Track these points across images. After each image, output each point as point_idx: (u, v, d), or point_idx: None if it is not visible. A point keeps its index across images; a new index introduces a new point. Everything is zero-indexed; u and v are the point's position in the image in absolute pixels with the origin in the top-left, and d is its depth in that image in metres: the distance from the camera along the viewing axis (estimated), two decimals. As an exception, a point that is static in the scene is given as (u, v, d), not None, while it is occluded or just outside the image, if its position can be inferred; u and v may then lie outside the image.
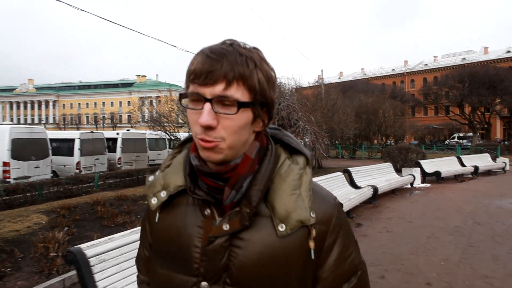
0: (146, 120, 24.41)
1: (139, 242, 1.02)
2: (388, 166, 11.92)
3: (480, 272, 4.43)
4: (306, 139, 14.08)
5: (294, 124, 12.07)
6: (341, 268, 0.83)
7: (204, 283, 0.80)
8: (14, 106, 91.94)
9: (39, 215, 7.52)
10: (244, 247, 0.78)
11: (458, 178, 13.81)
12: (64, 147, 14.82)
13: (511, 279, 4.24)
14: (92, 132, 16.22)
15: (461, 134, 46.23)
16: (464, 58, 61.25)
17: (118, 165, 16.58)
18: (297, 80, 30.72)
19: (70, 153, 14.58)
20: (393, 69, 71.47)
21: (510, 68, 46.64)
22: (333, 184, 8.23)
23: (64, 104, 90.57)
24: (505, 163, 16.75)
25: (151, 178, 0.91)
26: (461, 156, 16.00)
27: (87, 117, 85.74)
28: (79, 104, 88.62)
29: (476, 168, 14.72)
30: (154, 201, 0.87)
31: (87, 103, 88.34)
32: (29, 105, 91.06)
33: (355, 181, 9.42)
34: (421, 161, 13.65)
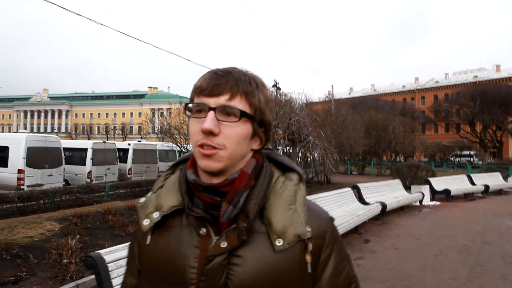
0: (156, 131, 24.77)
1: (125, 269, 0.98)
2: (397, 183, 11.91)
3: (488, 291, 4.44)
4: (316, 154, 14.16)
5: (304, 139, 12.17)
6: (337, 282, 0.85)
7: None
8: (29, 114, 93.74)
9: (52, 222, 7.68)
10: (242, 264, 0.78)
11: (468, 196, 13.70)
12: (76, 156, 15.08)
13: (519, 299, 4.24)
14: (104, 142, 16.49)
15: (465, 152, 45.85)
16: (475, 76, 60.99)
17: (129, 176, 16.80)
18: (308, 95, 30.98)
19: (82, 162, 14.82)
20: (404, 86, 71.36)
21: (523, 87, 46.32)
22: (342, 199, 8.28)
23: (76, 114, 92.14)
24: (517, 183, 16.58)
25: (142, 200, 0.90)
26: (471, 175, 15.87)
27: (99, 127, 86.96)
28: (91, 114, 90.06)
29: (486, 187, 14.59)
30: (146, 222, 0.85)
31: (99, 113, 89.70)
32: (42, 114, 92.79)
33: (364, 197, 9.44)
34: (431, 179, 13.59)
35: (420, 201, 11.78)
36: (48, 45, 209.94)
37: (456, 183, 14.18)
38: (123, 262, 2.66)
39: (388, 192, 10.78)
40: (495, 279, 4.84)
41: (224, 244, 0.78)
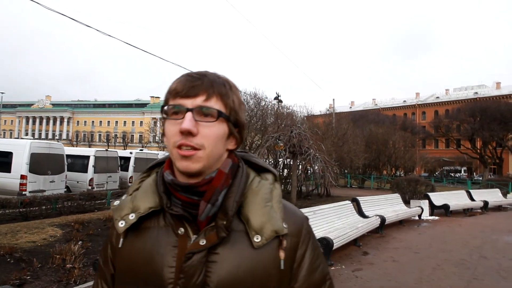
0: (157, 140, 24.96)
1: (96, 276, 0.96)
2: (396, 197, 12.01)
3: (483, 304, 4.53)
4: (316, 167, 14.26)
5: (305, 151, 12.30)
6: (312, 278, 0.86)
7: None
8: (31, 120, 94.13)
9: (54, 228, 7.78)
10: (220, 261, 0.79)
11: (467, 212, 13.77)
12: (78, 163, 15.19)
13: (513, 313, 4.32)
14: (106, 150, 16.63)
15: (457, 167, 46.14)
16: (476, 92, 61.43)
17: (130, 184, 16.87)
18: (309, 108, 31.25)
19: (84, 170, 14.93)
20: (405, 101, 71.77)
21: (523, 104, 46.62)
22: (341, 212, 8.38)
23: (78, 121, 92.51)
24: (516, 199, 16.65)
25: (116, 202, 0.89)
26: (470, 191, 15.95)
27: (100, 135, 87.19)
28: (93, 122, 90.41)
29: (485, 203, 14.66)
30: (121, 224, 0.84)
31: (100, 121, 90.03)
32: (44, 121, 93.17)
33: (363, 210, 9.54)
34: (430, 194, 13.69)
35: (419, 216, 11.87)
36: (52, 53, 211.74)
37: (455, 198, 14.27)
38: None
39: (387, 206, 10.88)
40: (490, 292, 4.92)
41: (203, 242, 0.79)
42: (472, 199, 14.91)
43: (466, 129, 40.17)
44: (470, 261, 6.60)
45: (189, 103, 0.79)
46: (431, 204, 12.93)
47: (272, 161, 15.89)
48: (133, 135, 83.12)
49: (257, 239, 0.80)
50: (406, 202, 12.83)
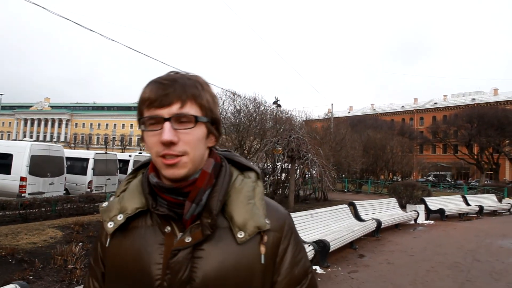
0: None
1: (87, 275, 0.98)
2: (392, 201, 12.15)
3: (475, 305, 4.65)
4: (314, 171, 14.37)
5: (303, 156, 12.42)
6: (294, 272, 0.89)
7: None
8: (29, 122, 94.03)
9: (54, 230, 7.86)
10: (205, 257, 0.81)
11: (462, 216, 13.91)
12: (77, 166, 15.21)
13: (504, 314, 4.44)
14: (106, 153, 16.69)
15: (441, 173, 46.49)
16: (473, 99, 61.77)
17: (127, 187, 16.94)
18: (308, 113, 31.46)
19: (83, 172, 14.95)
20: (403, 106, 72.08)
21: (520, 110, 46.95)
22: (338, 215, 8.50)
23: (77, 124, 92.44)
24: (511, 204, 16.80)
25: (105, 204, 0.91)
26: (466, 196, 16.12)
27: (98, 138, 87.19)
28: (91, 124, 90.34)
29: (481, 207, 14.81)
30: (110, 225, 0.87)
31: (99, 124, 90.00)
32: (43, 123, 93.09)
33: (360, 214, 9.66)
34: (426, 198, 13.83)
35: (415, 220, 12.00)
36: (51, 55, 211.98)
37: (451, 203, 14.42)
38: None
39: (383, 210, 11.01)
40: (482, 294, 5.05)
41: (188, 239, 0.81)
42: (467, 204, 15.07)
43: (463, 135, 40.38)
44: (464, 264, 6.73)
45: (165, 112, 0.79)
46: (427, 208, 13.08)
47: (271, 165, 15.99)
48: (131, 138, 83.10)
49: (240, 235, 0.82)
50: (403, 207, 12.96)
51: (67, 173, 13.81)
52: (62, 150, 13.89)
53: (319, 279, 5.59)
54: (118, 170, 16.49)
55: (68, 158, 14.39)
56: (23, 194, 11.66)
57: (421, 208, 12.57)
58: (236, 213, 0.84)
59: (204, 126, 0.84)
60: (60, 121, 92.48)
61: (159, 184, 0.84)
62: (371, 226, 8.86)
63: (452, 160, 48.67)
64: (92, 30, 8.52)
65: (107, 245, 0.89)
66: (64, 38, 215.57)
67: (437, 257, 7.21)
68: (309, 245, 5.98)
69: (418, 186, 17.00)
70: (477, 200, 15.83)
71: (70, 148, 63.31)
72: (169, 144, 0.78)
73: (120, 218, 0.86)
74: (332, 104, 35.25)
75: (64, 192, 13.34)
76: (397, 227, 10.69)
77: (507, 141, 39.23)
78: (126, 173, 17.10)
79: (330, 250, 6.34)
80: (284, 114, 19.25)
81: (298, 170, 14.79)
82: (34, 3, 7.71)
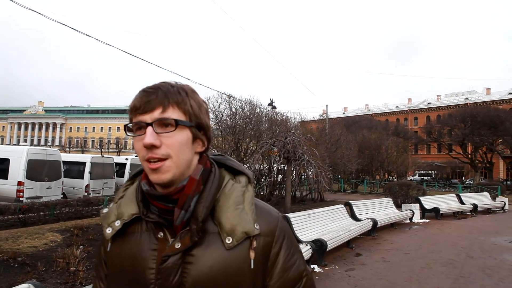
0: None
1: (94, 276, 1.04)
2: (388, 201, 12.32)
3: (468, 299, 4.81)
4: (310, 172, 14.51)
5: (299, 157, 12.56)
6: (287, 275, 0.90)
7: None
8: (23, 127, 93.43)
9: (53, 233, 7.91)
10: (195, 262, 0.83)
11: (457, 215, 14.13)
12: (74, 170, 15.20)
13: (496, 307, 4.60)
14: (102, 156, 16.71)
15: (429, 171, 46.96)
16: (467, 98, 62.25)
17: (125, 190, 16.95)
18: (303, 114, 31.63)
19: (80, 176, 14.94)
20: (397, 106, 72.48)
21: (512, 109, 47.51)
22: (335, 215, 8.65)
23: (71, 127, 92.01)
24: (504, 203, 17.05)
25: (105, 210, 0.95)
26: (460, 194, 16.34)
27: (93, 141, 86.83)
28: (86, 128, 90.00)
29: (475, 206, 15.04)
30: (108, 230, 0.90)
31: (94, 127, 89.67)
32: (37, 127, 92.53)
33: (356, 213, 9.82)
34: (421, 198, 14.03)
35: (410, 219, 12.19)
36: (45, 58, 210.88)
37: (445, 202, 14.63)
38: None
39: (379, 209, 11.18)
40: (475, 289, 5.22)
41: (178, 245, 0.84)
42: (462, 202, 15.29)
43: (457, 134, 40.68)
44: (457, 260, 6.91)
45: (148, 118, 0.83)
46: (422, 207, 13.27)
47: (267, 167, 16.11)
48: (126, 141, 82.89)
49: (228, 240, 0.84)
50: (398, 206, 13.15)
51: (64, 177, 13.82)
52: (59, 154, 13.91)
53: (317, 277, 5.72)
54: (115, 174, 16.51)
55: (65, 162, 14.40)
56: (20, 199, 11.67)
57: (416, 207, 12.76)
58: (224, 219, 0.86)
59: (188, 131, 0.86)
60: (55, 125, 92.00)
61: (149, 192, 0.86)
62: (367, 225, 9.01)
63: (446, 160, 49.03)
64: (88, 35, 8.59)
65: (108, 249, 0.93)
66: (57, 41, 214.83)
67: (432, 254, 7.38)
68: (307, 245, 6.11)
69: (413, 185, 17.20)
70: (471, 199, 16.06)
71: (65, 152, 63.06)
72: (151, 147, 0.81)
73: (118, 224, 0.89)
74: (326, 105, 35.47)
75: (62, 196, 13.35)
76: (393, 226, 10.86)
77: (500, 140, 39.60)
78: (123, 177, 17.19)
79: (327, 249, 6.48)
80: (279, 116, 19.40)
81: (294, 171, 14.92)
82: (30, 9, 7.79)
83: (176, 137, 0.83)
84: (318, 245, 6.36)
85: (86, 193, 14.57)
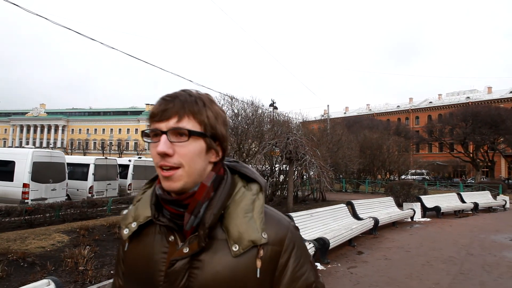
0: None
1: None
2: (389, 200, 12.44)
3: (467, 295, 4.95)
4: (312, 173, 14.63)
5: (301, 157, 12.68)
6: (294, 286, 0.88)
7: None
8: (25, 129, 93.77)
9: (60, 234, 8.04)
10: (202, 268, 0.84)
11: (458, 214, 14.23)
12: (78, 172, 15.33)
13: (494, 302, 4.72)
14: (106, 158, 16.84)
15: (422, 171, 47.00)
16: (468, 97, 62.22)
17: (128, 191, 17.05)
18: (304, 115, 31.78)
19: (84, 178, 15.08)
20: (398, 106, 72.47)
21: (513, 108, 47.58)
22: (337, 214, 8.78)
23: (73, 129, 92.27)
24: (505, 201, 17.14)
25: (124, 212, 0.99)
26: (461, 193, 16.44)
27: (95, 143, 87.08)
28: (87, 129, 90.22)
29: (476, 204, 15.14)
30: (126, 231, 0.94)
31: (95, 129, 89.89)
32: (39, 129, 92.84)
33: (358, 213, 9.95)
34: (422, 197, 14.14)
35: (412, 218, 12.31)
36: (47, 61, 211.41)
37: (447, 201, 14.74)
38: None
39: (380, 208, 11.30)
40: (474, 285, 5.37)
41: (186, 250, 0.85)
42: (463, 201, 15.38)
43: (458, 133, 40.72)
44: (457, 258, 7.04)
45: (163, 126, 0.84)
46: (423, 206, 13.39)
47: (269, 167, 16.24)
48: (128, 143, 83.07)
49: (235, 248, 0.84)
50: (399, 205, 13.28)
51: (68, 179, 13.95)
52: (63, 156, 14.04)
53: (320, 274, 5.84)
54: (118, 175, 16.65)
55: (69, 164, 14.52)
56: (26, 201, 11.78)
57: (417, 206, 12.87)
58: (232, 226, 0.86)
59: (202, 141, 0.86)
60: (56, 127, 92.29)
61: (161, 196, 0.88)
62: (368, 224, 9.14)
63: (448, 159, 49.05)
64: (93, 39, 8.74)
65: (126, 249, 0.96)
66: (58, 43, 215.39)
67: (433, 252, 7.51)
68: (310, 243, 6.25)
69: (414, 184, 17.31)
70: (472, 197, 16.15)
71: (67, 154, 63.29)
72: (164, 155, 0.82)
73: (134, 225, 0.93)
74: (328, 105, 35.62)
75: (66, 197, 13.48)
76: (394, 225, 10.98)
77: (501, 139, 39.61)
78: (126, 178, 17.34)
79: (330, 248, 6.62)
80: (281, 117, 19.53)
81: (296, 171, 15.06)
82: (37, 15, 7.94)
83: (189, 147, 0.84)
84: (321, 244, 6.50)
85: (90, 195, 14.70)
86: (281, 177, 16.13)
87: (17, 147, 53.02)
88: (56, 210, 10.54)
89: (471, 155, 40.72)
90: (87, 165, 15.33)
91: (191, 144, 0.84)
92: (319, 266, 6.31)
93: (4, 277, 5.15)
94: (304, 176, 17.46)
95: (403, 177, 35.02)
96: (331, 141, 22.61)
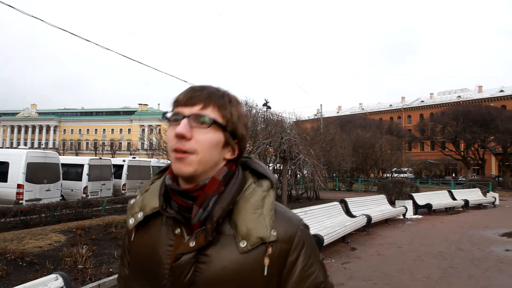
0: (146, 148, 25.04)
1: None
2: (382, 198, 12.66)
3: (456, 287, 5.13)
4: (305, 171, 14.79)
5: (295, 157, 12.83)
6: (302, 286, 0.86)
7: None
8: (16, 129, 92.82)
9: (57, 234, 8.08)
10: (208, 263, 0.82)
11: (449, 211, 14.51)
12: (73, 172, 15.28)
13: (482, 294, 4.92)
14: (100, 158, 16.83)
15: (403, 169, 47.49)
16: (459, 96, 62.91)
17: (123, 191, 17.06)
18: (298, 114, 31.95)
19: (79, 178, 15.05)
20: (391, 105, 72.93)
21: (503, 107, 48.25)
22: (330, 212, 8.95)
23: (65, 130, 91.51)
24: (495, 198, 17.51)
25: (132, 201, 0.97)
26: (452, 190, 16.75)
27: (87, 143, 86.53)
28: (80, 130, 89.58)
29: (466, 201, 15.44)
30: (131, 221, 0.93)
31: (88, 129, 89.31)
32: (30, 129, 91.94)
33: (351, 210, 10.13)
34: (414, 194, 14.41)
35: (404, 215, 12.53)
36: (38, 61, 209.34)
37: (438, 198, 15.02)
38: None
39: (373, 206, 11.51)
40: (463, 278, 5.58)
41: (192, 244, 0.83)
42: (453, 198, 15.69)
43: (449, 132, 41.17)
44: (448, 253, 7.26)
45: (186, 111, 0.84)
46: (415, 204, 13.64)
47: (263, 166, 16.31)
48: (121, 143, 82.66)
49: (243, 244, 0.82)
50: (392, 203, 13.50)
51: (63, 179, 13.93)
52: (58, 157, 14.00)
53: (328, 274, 5.98)
54: (113, 175, 16.66)
55: (63, 165, 14.50)
56: (20, 201, 11.76)
57: (409, 204, 13.12)
58: (240, 222, 0.84)
59: (221, 133, 0.85)
60: (48, 127, 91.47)
61: (171, 186, 0.87)
62: (361, 221, 9.33)
63: (440, 157, 49.61)
64: (88, 40, 8.78)
65: (132, 239, 0.95)
66: (50, 43, 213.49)
67: (424, 248, 7.72)
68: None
69: (406, 183, 17.58)
70: (463, 195, 16.47)
71: (59, 154, 62.65)
72: (181, 137, 0.81)
73: (140, 215, 0.92)
74: (321, 105, 35.94)
75: (60, 198, 13.47)
76: (387, 222, 11.20)
77: (491, 137, 40.15)
78: (120, 178, 17.36)
79: (324, 244, 6.77)
80: (275, 116, 19.67)
81: (290, 170, 15.21)
82: (33, 16, 7.98)
83: (208, 135, 0.83)
84: (315, 240, 6.63)
85: (84, 195, 14.69)
86: (275, 176, 16.24)
87: (8, 147, 52.51)
88: (52, 210, 10.55)
89: (462, 153, 41.24)
90: (81, 166, 15.29)
91: (210, 133, 0.83)
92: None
93: (4, 276, 5.22)
94: (298, 175, 17.61)
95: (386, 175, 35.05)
96: (324, 140, 22.79)
